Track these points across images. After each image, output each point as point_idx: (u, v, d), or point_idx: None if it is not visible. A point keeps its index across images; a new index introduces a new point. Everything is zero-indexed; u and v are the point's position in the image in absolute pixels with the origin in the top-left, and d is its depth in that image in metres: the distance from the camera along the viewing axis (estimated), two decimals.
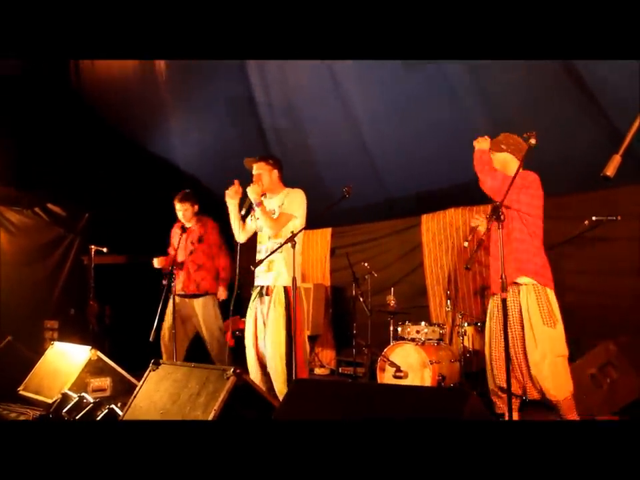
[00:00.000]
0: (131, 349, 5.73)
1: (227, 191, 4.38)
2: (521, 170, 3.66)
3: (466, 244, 3.94)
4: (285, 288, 4.20)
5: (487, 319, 3.92)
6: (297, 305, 4.01)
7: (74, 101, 7.15)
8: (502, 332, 3.51)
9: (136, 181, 7.30)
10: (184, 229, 5.60)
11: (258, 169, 4.40)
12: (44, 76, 6.83)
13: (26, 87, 6.63)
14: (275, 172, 4.43)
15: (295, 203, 4.32)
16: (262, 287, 4.33)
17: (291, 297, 4.13)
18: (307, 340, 4.36)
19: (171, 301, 5.28)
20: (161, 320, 5.23)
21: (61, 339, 6.05)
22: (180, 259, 5.57)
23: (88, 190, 7.22)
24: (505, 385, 3.47)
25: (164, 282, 5.21)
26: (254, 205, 4.24)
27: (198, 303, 5.56)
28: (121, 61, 6.77)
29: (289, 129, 6.83)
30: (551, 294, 3.68)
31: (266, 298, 4.26)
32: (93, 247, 6.43)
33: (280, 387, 4.08)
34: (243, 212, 4.35)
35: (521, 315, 3.68)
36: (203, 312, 5.55)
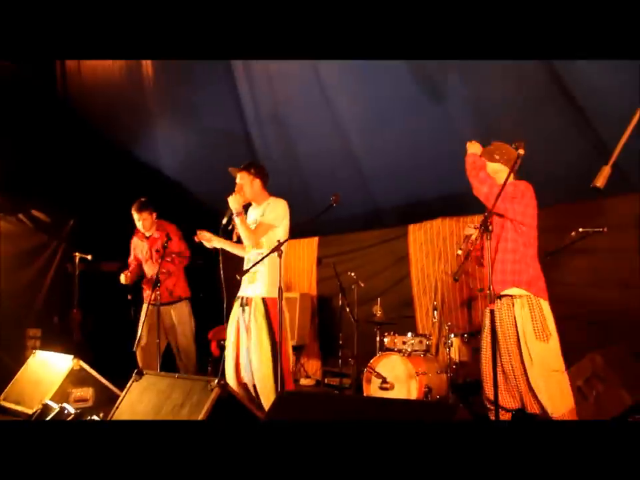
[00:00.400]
0: (115, 359, 5.67)
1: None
2: (513, 179, 3.63)
3: (459, 252, 3.85)
4: (264, 299, 4.19)
5: (483, 331, 3.86)
6: (277, 316, 3.97)
7: (60, 106, 7.10)
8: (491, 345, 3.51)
9: (121, 187, 7.22)
10: (147, 238, 5.57)
11: (240, 178, 4.39)
12: (30, 81, 6.76)
13: (11, 92, 6.56)
14: (257, 181, 4.40)
15: (273, 212, 4.31)
16: (242, 298, 4.32)
17: (269, 308, 4.14)
18: (291, 351, 4.32)
19: (146, 311, 5.24)
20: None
21: (43, 348, 5.95)
22: (147, 269, 5.53)
23: (72, 196, 7.14)
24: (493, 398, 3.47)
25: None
26: (234, 215, 4.23)
27: (174, 310, 5.52)
28: (107, 66, 6.74)
29: (275, 137, 6.81)
30: (545, 305, 3.62)
31: (246, 308, 4.26)
32: (77, 254, 6.35)
33: (269, 398, 4.03)
34: (225, 221, 4.33)
35: (516, 328, 3.61)
36: (179, 317, 5.50)
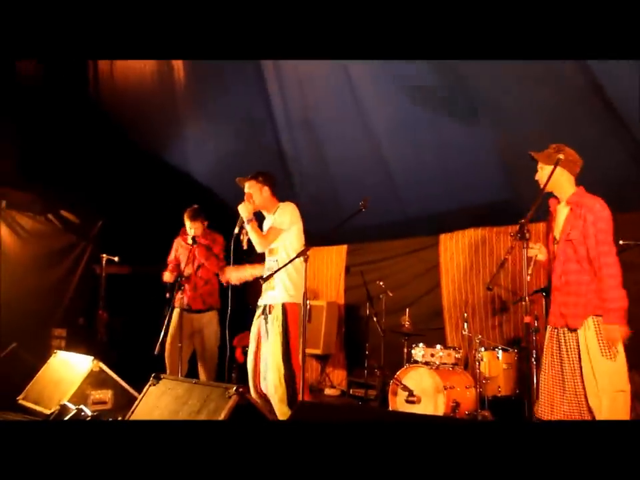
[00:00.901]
0: (138, 362, 5.62)
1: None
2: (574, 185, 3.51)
3: (528, 278, 3.55)
4: (284, 305, 4.11)
5: (545, 349, 3.66)
6: (295, 323, 3.91)
7: (91, 109, 7.10)
8: (558, 364, 3.44)
9: (150, 191, 7.21)
10: (194, 241, 5.48)
11: (249, 187, 4.34)
12: (62, 84, 6.79)
13: (43, 92, 6.59)
14: (266, 189, 4.35)
15: (282, 216, 4.26)
16: (265, 306, 4.25)
17: (288, 313, 4.06)
18: (302, 360, 4.18)
19: (176, 315, 5.22)
20: (166, 334, 5.11)
21: (68, 348, 5.94)
22: (187, 273, 5.46)
23: (102, 198, 7.15)
24: (544, 417, 3.39)
25: (167, 295, 5.09)
26: (245, 223, 4.19)
27: (204, 318, 5.45)
28: (139, 69, 6.74)
29: (305, 142, 6.73)
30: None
31: (269, 316, 4.18)
32: (104, 255, 6.33)
33: (280, 408, 3.93)
34: (237, 230, 4.28)
35: (579, 347, 3.40)
36: (209, 328, 5.43)
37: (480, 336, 5.58)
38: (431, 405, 4.97)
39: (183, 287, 5.19)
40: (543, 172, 3.56)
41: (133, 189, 7.19)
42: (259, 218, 4.36)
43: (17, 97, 6.31)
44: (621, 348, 3.37)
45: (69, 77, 6.89)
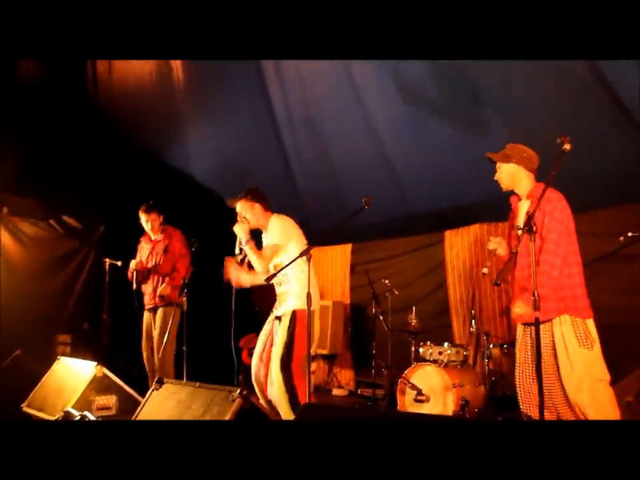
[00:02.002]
0: (144, 366, 5.59)
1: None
2: (532, 180, 3.54)
3: (485, 270, 3.49)
4: (294, 312, 4.06)
5: (516, 343, 3.63)
6: (304, 328, 3.78)
7: (91, 112, 7.06)
8: (530, 359, 3.35)
9: (152, 193, 7.16)
10: (152, 241, 5.65)
11: (240, 208, 4.30)
12: (61, 86, 6.75)
13: (43, 98, 6.55)
14: (257, 206, 4.30)
15: (272, 232, 4.20)
16: (278, 317, 4.21)
17: (297, 319, 4.01)
18: (307, 364, 4.10)
19: (144, 319, 5.51)
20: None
21: (73, 354, 5.90)
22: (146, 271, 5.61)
23: (103, 202, 7.10)
24: (530, 413, 3.36)
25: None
26: (243, 245, 4.15)
27: (158, 313, 5.49)
28: (138, 69, 6.70)
29: (307, 140, 6.67)
30: (588, 320, 3.37)
31: (278, 323, 4.17)
32: (107, 260, 6.27)
33: (286, 412, 3.87)
34: (237, 252, 4.23)
35: (554, 341, 3.35)
36: (161, 322, 5.42)
37: (488, 332, 5.52)
38: (440, 403, 4.90)
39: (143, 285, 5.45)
40: (500, 171, 3.64)
41: (134, 192, 7.14)
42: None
43: (17, 99, 6.27)
44: (596, 337, 3.34)
45: (67, 79, 6.85)
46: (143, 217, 5.61)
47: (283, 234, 4.16)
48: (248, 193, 4.34)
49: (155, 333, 5.43)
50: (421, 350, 5.51)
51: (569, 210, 3.44)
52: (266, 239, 4.28)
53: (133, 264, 5.54)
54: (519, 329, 3.61)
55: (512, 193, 3.69)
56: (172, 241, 5.61)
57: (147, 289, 5.59)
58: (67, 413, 3.94)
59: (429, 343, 5.51)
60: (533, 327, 3.40)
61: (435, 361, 5.25)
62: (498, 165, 3.65)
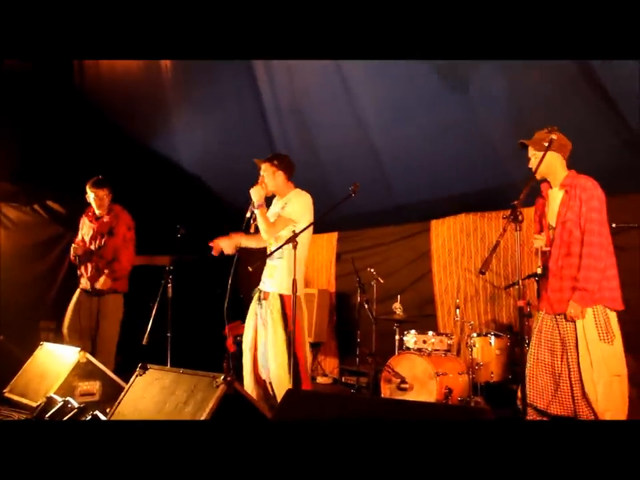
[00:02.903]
0: (128, 352, 5.55)
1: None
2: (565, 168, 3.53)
3: (539, 270, 3.52)
4: (281, 296, 4.04)
5: (533, 334, 3.62)
6: (296, 312, 3.79)
7: (76, 98, 6.99)
8: (547, 353, 3.42)
9: (138, 180, 7.12)
10: (96, 220, 5.39)
11: (263, 170, 4.26)
12: (47, 72, 6.68)
13: (29, 83, 6.48)
14: (280, 173, 4.25)
15: (293, 206, 4.15)
16: (260, 292, 4.19)
17: (286, 304, 3.98)
18: (308, 349, 4.16)
19: (76, 297, 5.29)
20: (155, 322, 5.02)
21: (57, 340, 5.85)
22: (88, 251, 5.40)
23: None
24: (538, 405, 3.42)
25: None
26: (255, 207, 4.10)
27: (105, 301, 5.30)
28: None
29: (295, 129, 6.64)
30: (611, 313, 3.38)
31: (264, 302, 4.12)
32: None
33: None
34: (248, 214, 4.18)
35: (576, 335, 3.36)
36: (108, 310, 5.29)
37: (472, 322, 5.56)
38: (424, 391, 4.94)
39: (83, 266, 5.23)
40: (535, 159, 3.53)
41: (119, 179, 7.08)
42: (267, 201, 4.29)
43: (2, 86, 6.19)
44: (618, 332, 3.34)
45: (54, 65, 6.77)
46: (90, 193, 5.32)
47: (301, 212, 4.13)
48: (274, 158, 4.31)
49: (105, 322, 5.26)
50: (405, 339, 5.53)
51: (604, 197, 3.42)
52: (279, 208, 4.22)
53: (75, 246, 5.32)
54: (538, 317, 3.60)
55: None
56: (119, 223, 5.37)
57: (90, 270, 5.36)
58: (50, 399, 3.90)
59: (413, 331, 5.53)
60: (556, 318, 3.42)
61: (419, 350, 5.28)
62: (532, 152, 3.58)
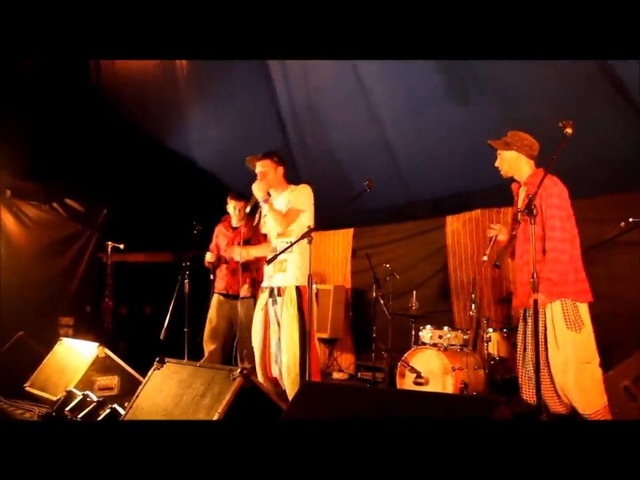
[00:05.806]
0: (146, 348, 5.61)
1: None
2: (533, 166, 3.59)
3: (485, 258, 3.62)
4: (298, 287, 4.06)
5: (518, 334, 3.66)
6: (309, 305, 3.82)
7: (93, 96, 7.07)
8: (529, 344, 3.41)
9: (154, 177, 7.19)
10: (233, 229, 5.41)
11: (263, 166, 4.26)
12: (64, 70, 6.75)
13: (46, 81, 6.56)
14: (280, 169, 4.30)
15: (301, 197, 4.19)
16: (273, 289, 4.18)
17: (304, 296, 3.99)
18: (317, 342, 4.19)
19: (215, 301, 5.24)
20: (176, 318, 5.07)
21: (76, 336, 5.94)
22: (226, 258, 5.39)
23: (106, 186, 7.14)
24: (528, 399, 3.42)
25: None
26: (261, 203, 4.15)
27: (241, 305, 5.18)
28: None
29: (310, 127, 6.67)
30: (581, 305, 3.40)
31: (279, 299, 4.12)
32: (109, 243, 6.31)
33: (293, 389, 3.89)
34: (248, 210, 4.26)
35: (545, 325, 3.37)
36: (245, 314, 5.14)
37: (488, 317, 5.55)
38: (439, 386, 4.94)
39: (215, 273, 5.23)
40: (501, 158, 3.69)
41: (137, 176, 7.17)
42: None
43: (20, 84, 6.28)
44: (588, 321, 3.36)
45: (70, 64, 6.85)
46: (231, 204, 5.37)
47: (309, 201, 4.18)
48: (273, 154, 4.32)
49: (239, 323, 5.15)
50: (420, 334, 5.52)
51: (566, 193, 3.46)
52: (286, 201, 4.24)
53: (209, 256, 5.32)
54: (520, 315, 3.64)
55: (512, 179, 3.72)
56: (255, 233, 5.21)
57: (226, 275, 5.36)
58: (70, 393, 3.98)
59: (428, 326, 5.52)
60: (527, 312, 3.46)
61: (434, 345, 5.27)
62: (498, 152, 3.69)
